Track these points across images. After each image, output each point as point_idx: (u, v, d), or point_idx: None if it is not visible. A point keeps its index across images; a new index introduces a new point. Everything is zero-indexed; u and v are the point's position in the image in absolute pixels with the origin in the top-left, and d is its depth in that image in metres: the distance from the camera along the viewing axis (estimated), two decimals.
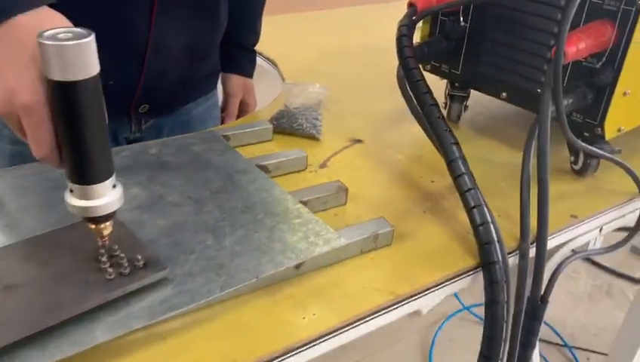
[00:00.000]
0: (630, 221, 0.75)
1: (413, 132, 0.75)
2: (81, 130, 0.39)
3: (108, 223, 0.46)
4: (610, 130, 0.70)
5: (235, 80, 1.05)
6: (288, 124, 0.82)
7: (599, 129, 0.69)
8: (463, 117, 0.90)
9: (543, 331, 1.57)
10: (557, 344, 1.53)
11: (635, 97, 0.70)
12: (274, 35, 1.39)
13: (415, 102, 0.67)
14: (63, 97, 0.38)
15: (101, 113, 0.40)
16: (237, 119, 1.06)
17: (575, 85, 0.68)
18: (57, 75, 0.37)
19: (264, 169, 0.69)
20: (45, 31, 0.37)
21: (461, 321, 1.59)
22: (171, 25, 0.77)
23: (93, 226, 0.46)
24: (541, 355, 1.50)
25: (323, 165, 0.75)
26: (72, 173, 0.43)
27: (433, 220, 0.65)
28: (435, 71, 0.86)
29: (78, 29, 0.37)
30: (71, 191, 0.44)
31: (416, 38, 0.83)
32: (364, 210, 0.66)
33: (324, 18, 1.56)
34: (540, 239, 0.61)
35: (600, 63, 0.66)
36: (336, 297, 0.52)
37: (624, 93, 0.67)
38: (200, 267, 0.51)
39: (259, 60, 1.24)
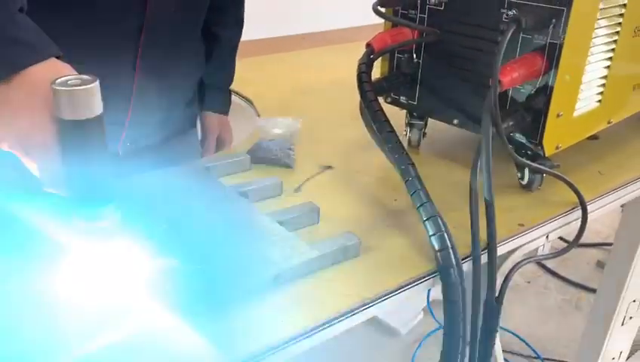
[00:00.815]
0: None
1: (378, 157, 0.84)
2: (88, 162, 0.46)
3: None
4: (548, 148, 0.79)
5: (212, 118, 1.14)
6: (264, 155, 0.90)
7: (539, 147, 0.78)
8: (423, 142, 0.99)
9: (517, 344, 1.64)
10: (530, 356, 1.60)
11: (568, 118, 0.79)
12: (250, 75, 1.49)
13: (375, 130, 0.76)
14: (74, 134, 0.45)
15: (104, 146, 0.47)
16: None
17: (515, 109, 0.77)
18: (69, 116, 0.44)
19: (243, 195, 0.76)
20: (57, 78, 0.44)
21: (439, 340, 1.65)
22: (154, 69, 0.85)
23: None
24: None
25: (297, 190, 0.83)
26: (77, 207, 0.49)
27: (396, 233, 0.72)
28: (394, 103, 0.95)
29: (85, 76, 0.45)
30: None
31: (378, 73, 0.93)
32: (335, 227, 0.73)
33: (295, 58, 1.67)
34: (491, 245, 0.69)
35: (534, 90, 0.76)
36: (310, 303, 0.59)
37: (557, 115, 0.77)
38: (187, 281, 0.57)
39: (236, 99, 1.33)
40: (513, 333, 1.66)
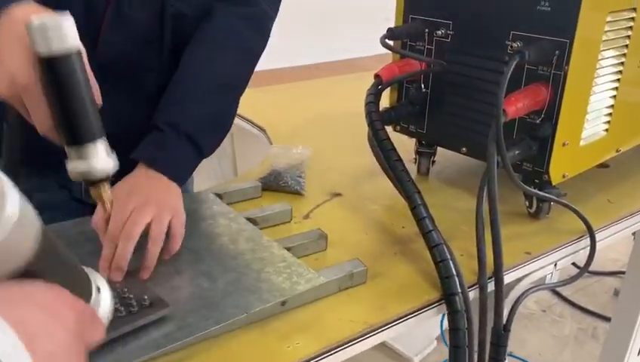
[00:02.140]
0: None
1: (386, 185, 0.85)
2: (68, 96, 0.47)
3: (107, 186, 0.52)
4: (555, 177, 0.79)
5: None
6: (275, 182, 0.92)
7: (546, 176, 0.79)
8: (431, 170, 1.00)
9: None
10: None
11: (574, 147, 0.80)
12: (263, 104, 1.52)
13: (382, 158, 0.77)
14: (50, 70, 0.47)
15: (85, 83, 0.48)
16: None
17: (521, 138, 0.78)
18: (44, 50, 0.46)
19: (253, 221, 0.78)
20: (32, 16, 0.46)
21: None
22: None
23: (94, 191, 0.52)
24: None
25: (306, 216, 0.84)
26: (66, 135, 0.49)
27: (403, 260, 0.73)
28: (404, 131, 0.96)
29: (59, 15, 0.47)
30: (70, 157, 0.50)
31: (387, 102, 0.95)
32: (342, 254, 0.74)
33: (308, 88, 1.70)
34: (497, 273, 0.69)
35: (539, 119, 0.77)
36: (316, 328, 0.60)
37: (563, 144, 0.78)
38: (197, 305, 0.59)
39: (249, 127, 1.36)
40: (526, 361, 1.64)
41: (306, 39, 2.12)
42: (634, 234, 1.07)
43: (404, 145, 1.00)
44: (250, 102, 1.53)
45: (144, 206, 0.64)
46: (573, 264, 1.27)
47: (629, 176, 0.99)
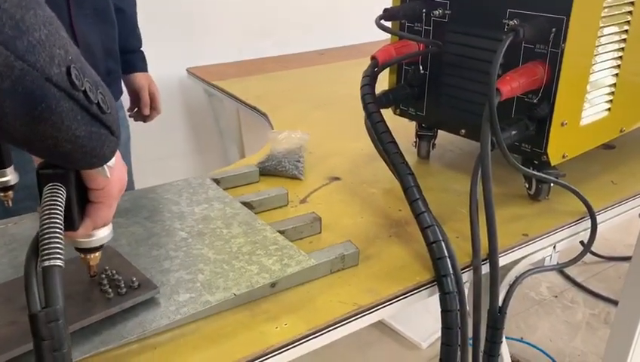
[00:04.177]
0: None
1: (386, 169, 0.84)
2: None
3: (95, 255, 0.52)
4: (554, 157, 0.78)
5: (138, 76, 1.35)
6: (273, 167, 0.92)
7: (545, 156, 0.78)
8: (433, 153, 0.99)
9: (543, 359, 1.60)
10: None
11: (574, 127, 0.79)
12: (267, 90, 1.52)
13: (377, 141, 0.76)
14: None
15: None
16: (150, 109, 1.37)
17: (518, 119, 0.77)
18: None
19: (249, 205, 0.78)
20: None
21: None
22: (87, 26, 1.06)
23: (82, 256, 0.52)
24: None
25: (303, 201, 0.84)
26: None
27: (397, 242, 0.73)
28: (403, 114, 0.95)
29: None
30: None
31: (387, 85, 0.94)
32: (336, 236, 0.74)
33: (312, 74, 1.69)
34: (492, 255, 0.69)
35: (537, 99, 0.76)
36: (306, 310, 0.60)
37: (562, 124, 0.76)
38: (187, 288, 0.59)
39: (252, 113, 1.36)
40: (537, 347, 1.62)
41: (312, 24, 2.10)
42: None
43: (407, 128, 0.99)
44: (254, 88, 1.54)
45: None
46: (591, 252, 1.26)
47: (635, 157, 0.97)
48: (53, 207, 0.42)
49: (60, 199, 0.43)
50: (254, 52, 1.94)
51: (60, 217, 0.41)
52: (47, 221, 0.40)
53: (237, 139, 2.01)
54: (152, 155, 1.86)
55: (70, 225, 0.46)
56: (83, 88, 0.39)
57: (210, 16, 1.91)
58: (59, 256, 0.39)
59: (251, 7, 1.96)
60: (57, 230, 0.40)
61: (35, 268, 0.40)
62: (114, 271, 0.58)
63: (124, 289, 0.56)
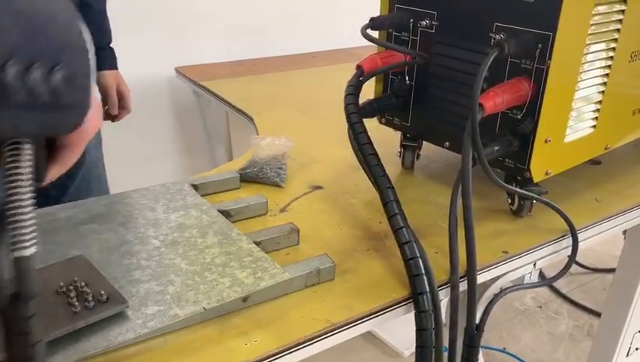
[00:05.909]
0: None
1: (369, 179, 0.83)
2: None
3: None
4: (537, 174, 0.77)
5: (106, 74, 1.31)
6: (255, 174, 0.90)
7: (527, 173, 0.77)
8: (417, 164, 0.98)
9: None
10: None
11: (558, 143, 0.78)
12: (255, 93, 1.50)
13: (358, 151, 0.75)
14: None
15: None
16: (120, 107, 1.33)
17: (501, 134, 0.76)
18: None
19: (226, 214, 0.77)
20: None
21: None
22: None
23: None
24: None
25: (283, 210, 0.83)
26: None
27: (375, 256, 0.72)
28: (389, 123, 0.94)
29: None
30: None
31: (371, 95, 0.93)
32: (314, 248, 0.73)
33: (301, 77, 1.68)
34: (470, 273, 0.68)
35: (521, 115, 0.75)
36: (277, 326, 0.59)
37: (545, 141, 0.75)
38: (156, 300, 0.58)
39: (238, 116, 1.34)
40: (518, 358, 1.62)
41: (304, 26, 2.09)
42: (624, 232, 1.05)
43: (392, 138, 0.98)
44: (241, 90, 1.52)
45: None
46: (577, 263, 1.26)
47: (620, 174, 0.97)
48: (17, 175, 0.36)
49: (25, 164, 0.37)
50: (246, 52, 1.92)
51: (28, 190, 0.36)
52: (13, 195, 0.36)
53: (225, 140, 2.00)
54: (139, 155, 1.84)
55: (37, 178, 0.40)
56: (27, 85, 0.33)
57: (202, 14, 1.89)
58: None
59: (243, 7, 1.94)
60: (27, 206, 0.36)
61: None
62: (83, 284, 0.56)
63: (92, 303, 0.54)
